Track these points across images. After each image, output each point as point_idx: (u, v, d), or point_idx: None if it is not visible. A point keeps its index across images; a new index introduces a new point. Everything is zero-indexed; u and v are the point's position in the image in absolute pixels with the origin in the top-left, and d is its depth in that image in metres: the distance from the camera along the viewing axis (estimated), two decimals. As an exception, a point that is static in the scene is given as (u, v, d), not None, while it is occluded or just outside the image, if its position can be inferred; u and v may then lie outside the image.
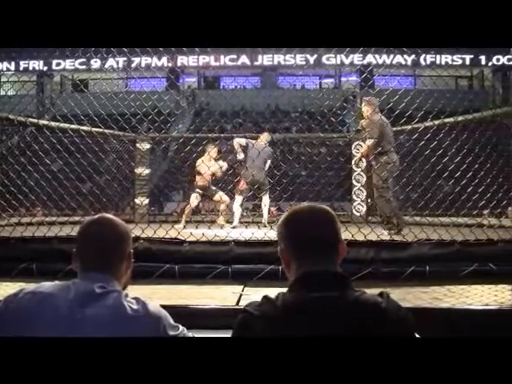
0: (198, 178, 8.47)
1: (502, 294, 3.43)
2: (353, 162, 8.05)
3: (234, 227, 7.52)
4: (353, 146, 9.84)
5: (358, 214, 9.82)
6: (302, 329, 1.36)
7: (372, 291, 1.49)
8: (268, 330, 1.37)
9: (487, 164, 5.15)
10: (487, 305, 3.10)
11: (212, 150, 8.49)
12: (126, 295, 1.60)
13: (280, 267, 3.72)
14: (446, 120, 6.27)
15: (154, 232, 4.44)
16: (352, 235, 4.25)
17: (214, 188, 8.65)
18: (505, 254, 4.02)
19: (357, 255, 3.93)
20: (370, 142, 6.30)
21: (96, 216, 1.79)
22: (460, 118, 6.06)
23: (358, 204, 10.11)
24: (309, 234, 1.55)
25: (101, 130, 7.11)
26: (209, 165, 8.07)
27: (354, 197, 10.12)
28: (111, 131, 7.69)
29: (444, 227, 4.65)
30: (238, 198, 8.48)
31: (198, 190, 8.47)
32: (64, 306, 1.52)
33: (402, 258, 3.94)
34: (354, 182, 10.02)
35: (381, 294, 1.46)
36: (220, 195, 8.62)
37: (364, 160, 7.57)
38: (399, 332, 1.38)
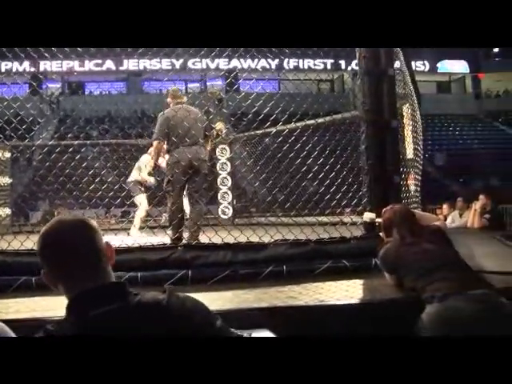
0: None
1: (353, 289, 3.58)
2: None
3: None
4: (217, 150, 9.90)
5: (225, 217, 9.89)
6: None
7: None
8: None
9: (337, 164, 5.36)
10: (338, 300, 3.22)
11: None
12: None
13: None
14: (294, 125, 6.33)
15: (9, 244, 4.12)
16: (209, 239, 4.26)
17: None
18: (357, 251, 4.21)
19: (215, 258, 3.93)
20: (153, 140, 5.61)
21: None
22: (309, 122, 6.22)
23: (225, 207, 10.18)
24: (66, 252, 1.45)
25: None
26: None
27: (220, 200, 10.18)
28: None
29: (299, 227, 4.78)
30: None
31: None
32: None
33: (259, 259, 3.97)
34: (219, 185, 10.07)
35: (164, 291, 1.44)
36: None
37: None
38: (187, 324, 1.38)
